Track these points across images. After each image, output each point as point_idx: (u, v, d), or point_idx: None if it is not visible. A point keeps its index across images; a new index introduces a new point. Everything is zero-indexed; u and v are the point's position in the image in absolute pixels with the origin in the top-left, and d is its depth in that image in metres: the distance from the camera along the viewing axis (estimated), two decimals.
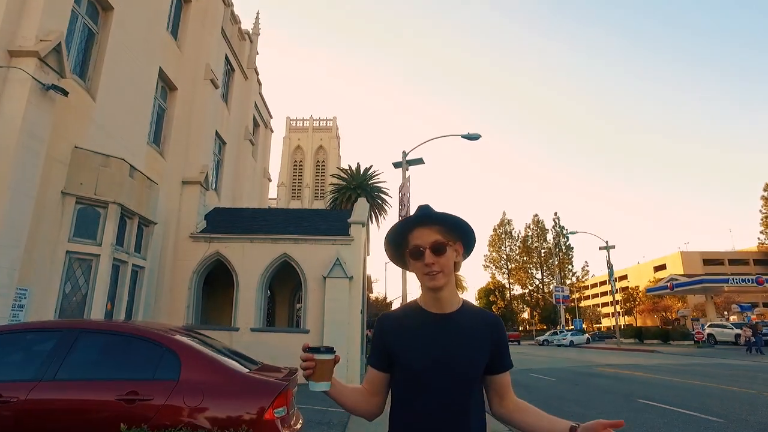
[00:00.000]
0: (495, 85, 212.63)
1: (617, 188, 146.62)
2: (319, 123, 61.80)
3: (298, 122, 61.47)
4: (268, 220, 14.22)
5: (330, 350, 1.30)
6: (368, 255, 20.13)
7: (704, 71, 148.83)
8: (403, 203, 16.29)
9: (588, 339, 41.16)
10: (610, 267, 36.78)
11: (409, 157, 17.67)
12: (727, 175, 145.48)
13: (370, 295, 46.00)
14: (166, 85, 13.23)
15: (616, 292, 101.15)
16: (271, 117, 25.23)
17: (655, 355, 24.09)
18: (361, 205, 14.10)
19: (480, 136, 17.49)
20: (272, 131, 25.01)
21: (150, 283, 11.73)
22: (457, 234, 1.43)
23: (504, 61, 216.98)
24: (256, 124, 22.87)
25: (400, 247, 1.47)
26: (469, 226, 1.43)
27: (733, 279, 32.93)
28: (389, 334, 1.45)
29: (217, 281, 14.76)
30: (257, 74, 20.75)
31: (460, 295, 1.47)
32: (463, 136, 17.64)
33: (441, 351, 1.36)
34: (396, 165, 17.67)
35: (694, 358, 21.07)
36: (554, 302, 70.82)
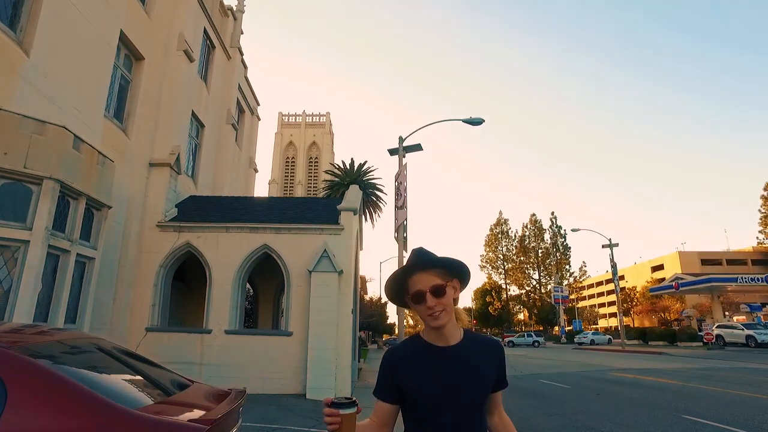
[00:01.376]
0: (495, 83, 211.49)
1: (613, 189, 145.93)
2: (312, 118, 60.09)
3: (290, 117, 59.72)
4: (248, 209, 12.62)
5: (353, 403, 1.31)
6: (361, 249, 18.58)
7: (701, 71, 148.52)
8: (400, 193, 14.79)
9: (609, 339, 41.16)
10: (614, 265, 35.46)
11: (406, 143, 16.19)
12: (721, 175, 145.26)
13: (364, 295, 44.44)
14: (130, 53, 11.61)
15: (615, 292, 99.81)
16: (258, 104, 23.63)
17: (666, 358, 22.68)
18: (353, 192, 12.55)
19: (483, 120, 16.04)
20: (259, 119, 23.39)
21: (106, 278, 10.10)
22: (453, 272, 1.53)
23: (504, 60, 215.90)
24: (241, 110, 21.27)
25: (400, 291, 1.57)
26: (464, 266, 1.54)
27: (741, 278, 31.66)
28: (399, 369, 1.52)
29: (193, 278, 13.14)
30: (241, 54, 19.14)
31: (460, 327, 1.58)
32: (465, 121, 16.17)
33: (451, 381, 1.46)
34: (392, 152, 16.17)
35: (709, 361, 19.66)
36: (552, 303, 69.85)
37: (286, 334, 10.58)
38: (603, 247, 36.39)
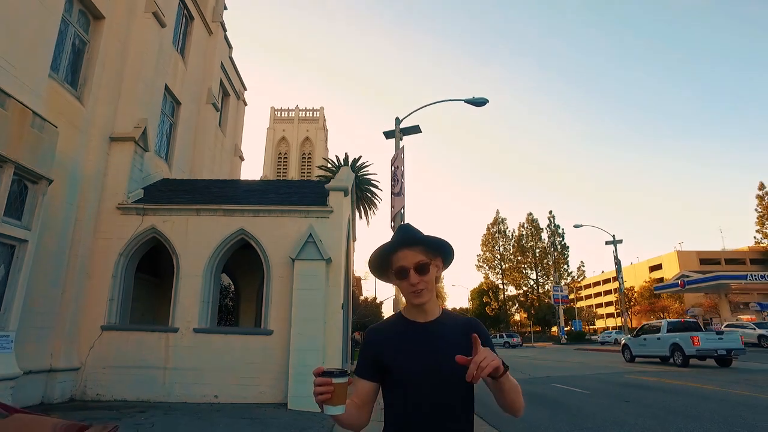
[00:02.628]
0: (493, 81, 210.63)
1: (610, 188, 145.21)
2: (306, 113, 58.44)
3: (283, 112, 58.03)
4: (225, 191, 11.11)
5: (344, 373, 1.30)
6: (354, 240, 17.11)
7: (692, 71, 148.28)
8: (396, 178, 13.36)
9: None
10: (618, 262, 34.23)
11: (403, 125, 14.77)
12: (716, 175, 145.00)
13: (359, 295, 42.85)
14: (87, 10, 10.07)
15: (614, 292, 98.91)
16: (245, 89, 22.09)
17: None
18: (345, 172, 11.08)
19: (487, 101, 14.68)
20: (246, 104, 21.83)
21: (53, 268, 8.57)
22: (437, 251, 1.54)
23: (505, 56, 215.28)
24: (225, 93, 19.74)
25: (384, 266, 1.57)
26: (448, 244, 1.54)
27: (751, 275, 30.43)
28: (378, 344, 1.53)
29: (167, 271, 11.58)
30: (224, 30, 17.62)
31: (440, 305, 1.58)
32: (468, 101, 14.77)
33: (428, 354, 1.46)
34: (387, 135, 14.74)
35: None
36: (552, 303, 68.68)
37: (266, 332, 9.08)
38: (606, 243, 35.20)
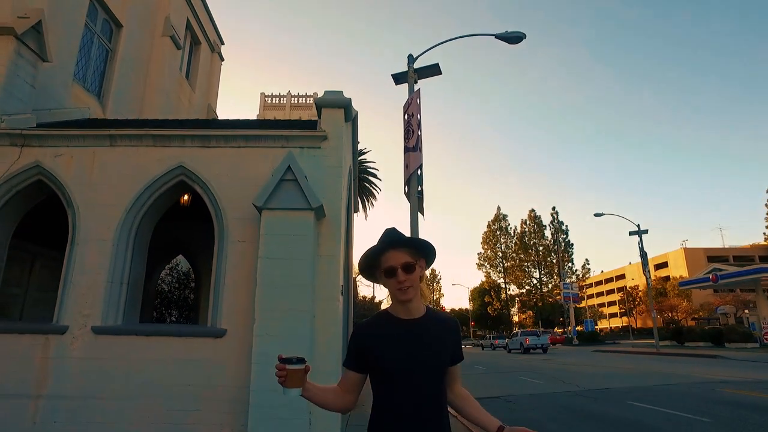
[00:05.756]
0: (494, 76, 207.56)
1: (609, 186, 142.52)
2: (298, 100, 54.69)
3: (273, 99, 54.18)
4: (166, 121, 7.43)
5: (302, 360, 1.47)
6: (356, 212, 13.50)
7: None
8: (411, 129, 9.74)
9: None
10: (644, 254, 30.79)
11: (418, 65, 11.18)
12: (717, 172, 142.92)
13: (356, 295, 39.22)
14: None
15: (617, 291, 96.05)
16: (222, 42, 18.42)
17: (734, 363, 17.86)
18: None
19: (523, 35, 11.16)
20: (222, 59, 18.15)
21: None
22: (420, 252, 1.69)
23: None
24: (196, 41, 16.08)
25: (373, 266, 1.70)
26: (431, 246, 1.71)
27: None
28: (366, 339, 1.64)
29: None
30: None
31: (423, 304, 1.71)
32: (499, 36, 11.20)
33: (412, 349, 1.58)
34: (398, 78, 11.14)
35: None
36: (556, 302, 65.43)
37: (215, 333, 5.40)
38: (630, 234, 31.76)
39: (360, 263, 1.70)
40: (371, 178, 27.28)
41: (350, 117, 6.48)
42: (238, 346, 5.27)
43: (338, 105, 6.21)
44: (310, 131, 6.01)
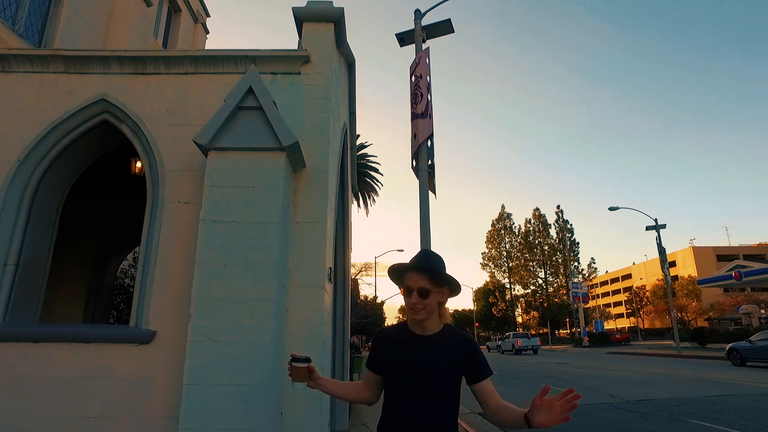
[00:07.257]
0: (492, 75, 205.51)
1: (608, 186, 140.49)
2: None
3: None
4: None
5: (307, 359, 1.74)
6: (353, 203, 11.69)
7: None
8: (419, 93, 7.87)
9: None
10: (662, 251, 28.97)
11: (425, 21, 9.40)
12: (719, 171, 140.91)
13: (357, 296, 37.31)
14: None
15: (623, 291, 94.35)
16: (208, 15, 16.70)
17: None
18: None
19: None
20: (207, 32, 16.42)
21: None
22: (442, 284, 1.75)
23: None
24: (176, 8, 14.37)
25: (401, 278, 1.78)
26: (454, 280, 1.77)
27: None
28: (382, 346, 1.80)
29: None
30: None
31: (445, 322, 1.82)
32: None
33: (419, 364, 1.67)
34: (403, 38, 9.33)
35: None
36: (563, 302, 63.62)
37: (138, 338, 3.63)
38: (647, 229, 30.00)
39: (391, 271, 1.80)
40: (372, 173, 25.67)
41: (343, 38, 4.68)
42: (171, 357, 3.49)
43: (326, 18, 4.42)
44: (286, 51, 4.23)
